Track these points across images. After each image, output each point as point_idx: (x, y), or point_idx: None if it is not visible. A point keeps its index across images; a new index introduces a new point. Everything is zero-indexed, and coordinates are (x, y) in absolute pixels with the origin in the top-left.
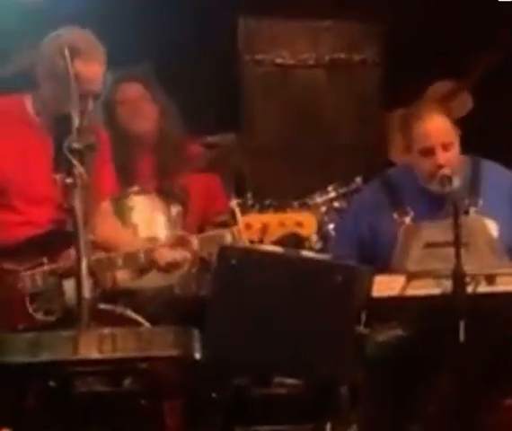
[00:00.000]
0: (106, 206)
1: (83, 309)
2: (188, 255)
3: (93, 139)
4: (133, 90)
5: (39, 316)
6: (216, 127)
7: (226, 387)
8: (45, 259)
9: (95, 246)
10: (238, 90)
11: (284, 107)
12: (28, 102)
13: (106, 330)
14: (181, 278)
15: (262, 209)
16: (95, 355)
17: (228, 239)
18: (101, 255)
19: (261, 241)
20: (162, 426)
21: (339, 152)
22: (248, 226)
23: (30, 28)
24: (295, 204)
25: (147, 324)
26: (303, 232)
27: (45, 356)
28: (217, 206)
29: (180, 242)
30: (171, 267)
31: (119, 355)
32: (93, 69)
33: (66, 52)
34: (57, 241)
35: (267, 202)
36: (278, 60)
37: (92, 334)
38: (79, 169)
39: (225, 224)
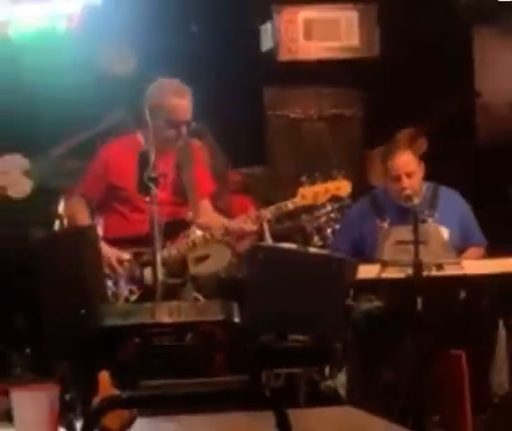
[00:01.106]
0: (206, 202)
1: (158, 287)
2: (255, 227)
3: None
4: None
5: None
6: (248, 162)
7: (256, 342)
8: (168, 242)
9: (200, 227)
10: (264, 136)
11: (296, 148)
12: (140, 137)
13: (174, 302)
14: (225, 267)
15: (312, 182)
16: (166, 319)
17: (289, 207)
18: (211, 231)
19: (315, 204)
20: (212, 369)
21: None
22: (303, 197)
23: (119, 93)
24: (334, 174)
25: (202, 298)
26: (342, 193)
27: (132, 320)
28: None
29: (250, 220)
30: (242, 236)
31: (182, 319)
32: (184, 103)
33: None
34: (175, 228)
35: (316, 174)
36: (292, 115)
37: (164, 305)
38: (155, 191)
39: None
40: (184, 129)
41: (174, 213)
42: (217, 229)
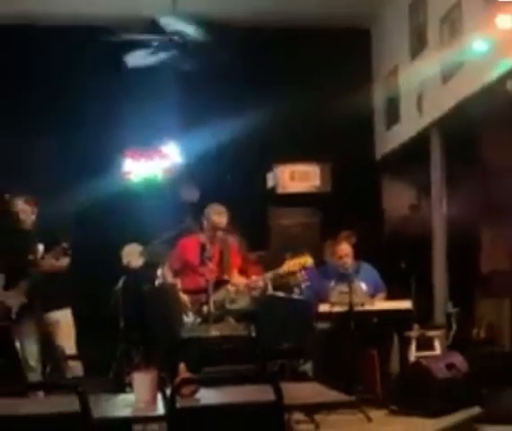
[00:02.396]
0: (235, 271)
1: (210, 316)
2: (262, 284)
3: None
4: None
5: (216, 313)
6: (259, 249)
7: (263, 347)
8: (215, 292)
9: (232, 285)
10: (268, 235)
11: (285, 241)
12: (201, 237)
13: (218, 325)
14: (246, 305)
15: (292, 257)
16: (215, 333)
17: (280, 272)
18: (238, 287)
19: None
20: (238, 361)
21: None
22: (287, 265)
23: (189, 210)
24: (303, 252)
25: (233, 322)
26: (307, 264)
27: (196, 334)
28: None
29: (260, 277)
30: (255, 289)
31: (223, 333)
32: (222, 219)
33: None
34: (218, 285)
35: (299, 252)
36: (283, 222)
37: (214, 325)
38: (207, 264)
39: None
40: (220, 233)
41: (218, 277)
42: (242, 286)
